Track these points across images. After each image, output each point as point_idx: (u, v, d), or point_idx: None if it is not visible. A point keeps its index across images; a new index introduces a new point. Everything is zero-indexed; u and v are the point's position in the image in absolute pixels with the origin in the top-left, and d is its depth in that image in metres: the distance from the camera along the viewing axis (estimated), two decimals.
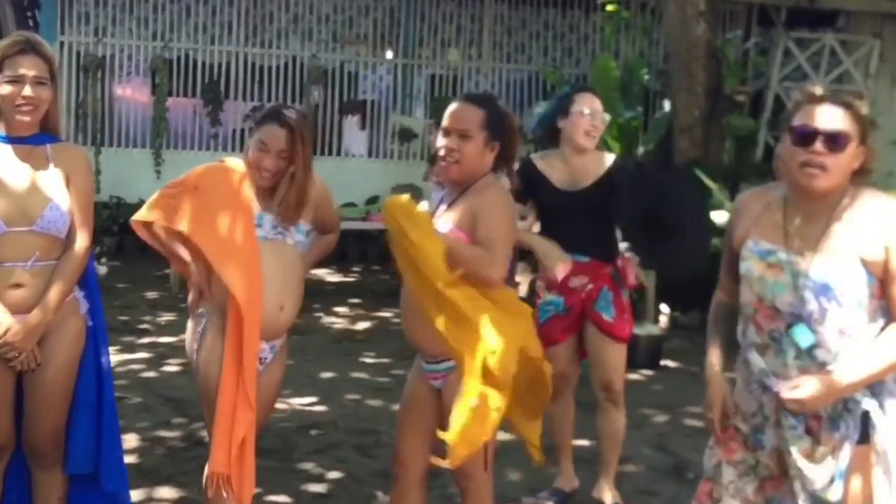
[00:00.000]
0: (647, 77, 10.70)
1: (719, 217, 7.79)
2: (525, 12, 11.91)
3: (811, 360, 2.45)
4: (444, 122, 3.02)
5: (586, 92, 4.02)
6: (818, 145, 2.39)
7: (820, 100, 2.45)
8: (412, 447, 3.10)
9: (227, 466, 2.95)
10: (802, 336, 2.45)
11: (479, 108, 3.01)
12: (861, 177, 2.48)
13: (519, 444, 4.81)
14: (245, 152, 3.09)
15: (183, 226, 2.99)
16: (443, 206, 3.09)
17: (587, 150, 3.95)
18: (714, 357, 2.70)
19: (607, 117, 4.02)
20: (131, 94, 11.89)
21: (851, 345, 2.42)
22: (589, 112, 3.90)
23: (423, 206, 3.17)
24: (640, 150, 9.62)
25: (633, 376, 6.52)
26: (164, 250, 3.18)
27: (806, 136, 2.40)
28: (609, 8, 10.57)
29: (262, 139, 3.02)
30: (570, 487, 4.27)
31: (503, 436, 4.91)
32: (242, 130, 11.19)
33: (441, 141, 3.02)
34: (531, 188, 3.91)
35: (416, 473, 3.16)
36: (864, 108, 2.45)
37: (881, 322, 2.46)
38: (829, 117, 2.41)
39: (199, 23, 11.35)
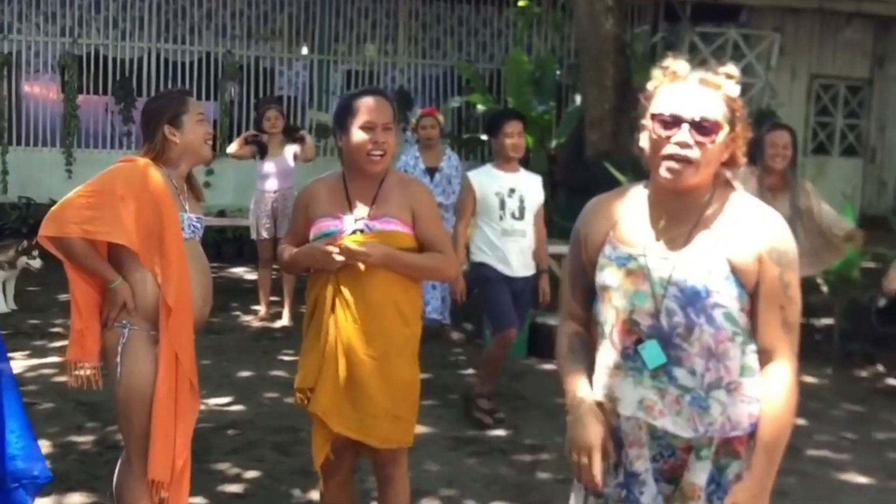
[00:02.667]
0: (558, 72, 10.91)
1: None
2: (439, 8, 12.01)
3: (670, 382, 2.10)
4: (367, 116, 3.04)
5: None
6: (683, 133, 2.03)
7: (684, 79, 2.07)
8: (341, 443, 3.13)
9: (168, 474, 2.99)
10: (652, 354, 2.11)
11: (388, 100, 3.14)
12: (730, 168, 2.14)
13: (434, 436, 4.94)
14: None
15: (122, 238, 2.97)
16: (360, 202, 3.10)
17: None
18: (576, 386, 2.20)
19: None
20: (40, 91, 11.61)
21: (719, 369, 2.08)
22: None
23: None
24: (553, 143, 9.80)
25: (547, 366, 6.68)
26: (82, 265, 3.09)
27: (669, 124, 2.04)
28: (521, 4, 10.73)
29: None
30: None
31: (419, 428, 5.03)
32: None
33: (366, 136, 3.04)
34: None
35: (346, 469, 3.23)
36: (734, 89, 2.07)
37: (753, 347, 2.11)
38: (696, 101, 2.04)
39: (110, 18, 11.15)
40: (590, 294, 2.26)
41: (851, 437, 5.28)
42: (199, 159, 3.18)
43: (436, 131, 7.28)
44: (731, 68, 2.11)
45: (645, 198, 2.19)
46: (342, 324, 3.00)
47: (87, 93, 11.27)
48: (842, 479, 4.65)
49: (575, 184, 9.00)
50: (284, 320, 7.53)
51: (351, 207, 3.09)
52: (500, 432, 5.17)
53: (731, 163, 2.13)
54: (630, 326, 2.14)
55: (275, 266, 7.74)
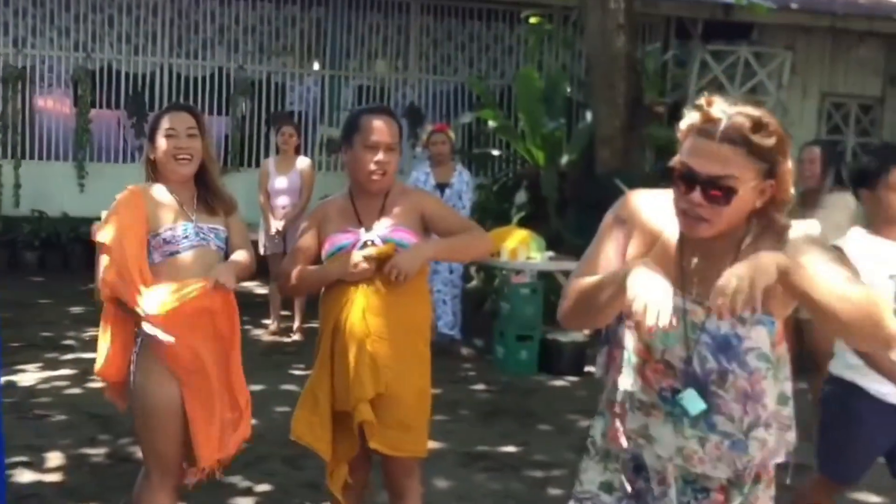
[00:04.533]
0: (569, 89, 10.93)
1: None
2: (451, 24, 12.06)
3: (710, 429, 2.04)
4: (372, 136, 3.11)
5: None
6: (696, 194, 1.92)
7: (713, 124, 1.92)
8: (355, 460, 3.16)
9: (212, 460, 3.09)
10: (693, 403, 2.03)
11: (395, 120, 3.20)
12: (774, 208, 1.99)
13: (445, 451, 4.93)
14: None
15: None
16: (369, 216, 3.16)
17: None
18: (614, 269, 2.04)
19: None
20: (53, 105, 11.68)
21: (757, 409, 2.02)
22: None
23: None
24: (564, 159, 9.81)
25: (558, 382, 6.68)
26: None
27: (684, 178, 1.94)
28: (532, 21, 10.78)
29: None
30: None
31: (430, 443, 5.02)
32: None
33: (368, 156, 3.10)
34: None
35: (358, 484, 3.24)
36: (769, 138, 1.92)
37: (786, 372, 2.08)
38: (713, 157, 1.90)
39: (123, 33, 11.22)
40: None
41: None
42: (172, 175, 3.13)
43: (446, 147, 7.31)
44: (764, 114, 1.95)
45: (676, 229, 2.06)
46: (359, 336, 3.02)
47: (100, 107, 11.33)
48: (854, 499, 4.62)
49: (585, 201, 9.00)
50: (295, 335, 7.54)
51: (360, 222, 3.15)
52: (510, 448, 5.16)
53: (773, 205, 1.98)
54: (665, 368, 2.06)
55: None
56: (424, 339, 3.19)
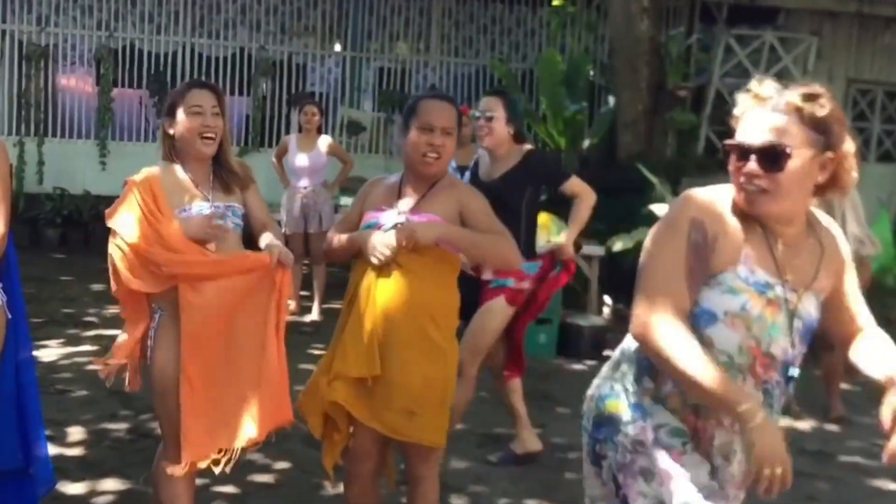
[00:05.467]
0: (592, 72, 10.86)
1: (661, 210, 7.97)
2: (473, 7, 12.00)
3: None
4: (427, 118, 3.09)
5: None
6: (751, 164, 1.96)
7: (762, 102, 1.99)
8: (368, 443, 3.14)
9: (204, 455, 3.02)
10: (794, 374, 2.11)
11: (454, 106, 3.20)
12: (835, 191, 2.03)
13: (463, 433, 4.94)
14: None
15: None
16: (408, 198, 3.13)
17: None
18: (739, 392, 1.98)
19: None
20: (75, 84, 11.74)
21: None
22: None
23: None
24: (586, 143, 9.77)
25: (577, 366, 6.67)
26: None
27: (740, 154, 1.98)
28: (555, 3, 10.71)
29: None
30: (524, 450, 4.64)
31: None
32: None
33: (423, 137, 3.08)
34: None
35: (371, 469, 3.22)
36: (820, 108, 1.95)
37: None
38: (766, 127, 1.96)
39: (145, 12, 11.24)
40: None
41: (883, 443, 5.22)
42: (194, 154, 3.09)
43: (468, 130, 7.26)
44: (816, 88, 2.00)
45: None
46: (371, 315, 3.00)
47: (122, 86, 11.38)
48: (874, 486, 4.60)
49: (606, 186, 8.94)
50: (314, 315, 7.56)
51: (400, 204, 3.13)
52: None
53: (832, 185, 2.01)
54: (770, 360, 2.06)
55: (304, 261, 7.78)
56: (440, 327, 3.06)
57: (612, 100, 10.09)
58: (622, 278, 8.30)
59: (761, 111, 1.97)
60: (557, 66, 9.86)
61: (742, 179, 1.97)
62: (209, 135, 3.07)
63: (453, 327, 3.16)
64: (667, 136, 9.88)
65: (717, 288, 2.02)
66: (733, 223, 2.04)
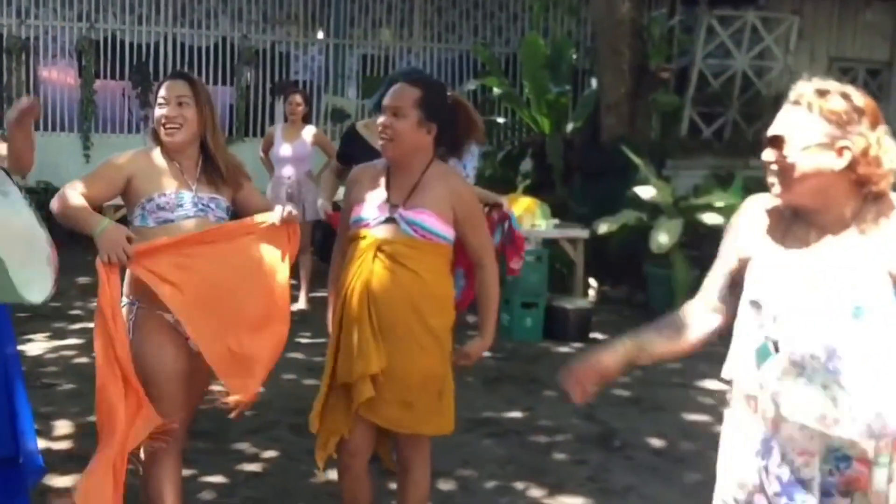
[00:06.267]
0: (574, 55, 10.87)
1: (645, 192, 8.01)
2: None
3: (839, 387, 2.08)
4: (384, 100, 3.07)
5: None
6: (767, 153, 2.12)
7: (791, 102, 2.12)
8: (363, 437, 3.13)
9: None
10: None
11: (416, 87, 3.04)
12: (868, 185, 2.09)
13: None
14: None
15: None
16: (397, 189, 3.06)
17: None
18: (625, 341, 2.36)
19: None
20: (57, 76, 11.68)
21: (877, 370, 2.07)
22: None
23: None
24: (569, 127, 9.79)
25: (563, 349, 6.71)
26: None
27: (764, 145, 2.15)
28: None
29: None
30: None
31: None
32: None
33: (379, 118, 3.08)
34: (351, 154, 4.30)
35: (365, 462, 3.20)
36: (834, 102, 2.06)
37: None
38: (781, 120, 2.12)
39: (126, 3, 11.19)
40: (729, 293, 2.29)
41: None
42: (166, 144, 3.11)
43: None
44: (837, 85, 2.10)
45: (791, 213, 2.19)
46: (364, 310, 2.99)
47: (105, 78, 11.34)
48: None
49: (591, 168, 9.00)
50: (301, 303, 7.57)
51: (389, 195, 3.05)
52: (515, 414, 5.20)
53: (863, 181, 2.08)
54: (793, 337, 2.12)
55: None
56: (438, 317, 3.06)
57: (594, 82, 10.10)
58: (607, 261, 8.36)
59: (786, 107, 2.12)
60: (540, 50, 9.87)
61: (765, 169, 2.12)
62: (170, 125, 3.07)
63: (449, 317, 3.12)
64: (650, 117, 9.90)
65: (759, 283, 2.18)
66: (768, 220, 2.20)
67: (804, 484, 2.11)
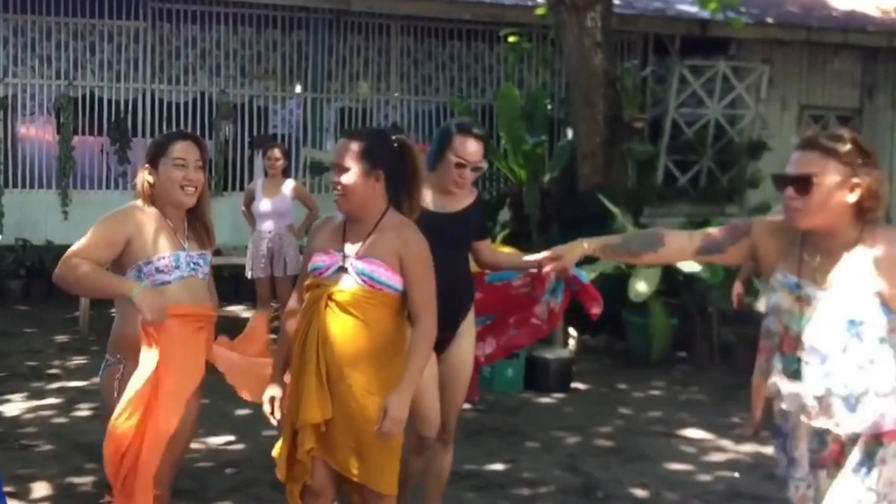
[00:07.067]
0: (549, 106, 11.01)
1: None
2: (431, 45, 12.13)
3: (826, 391, 2.56)
4: (330, 157, 3.20)
5: (469, 138, 3.73)
6: (789, 190, 2.57)
7: (797, 146, 2.63)
8: (326, 477, 3.16)
9: None
10: (792, 366, 2.63)
11: (356, 140, 3.17)
12: (869, 210, 2.55)
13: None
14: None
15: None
16: (352, 241, 3.15)
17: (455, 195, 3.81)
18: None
19: (484, 165, 3.80)
20: (35, 133, 11.69)
21: (870, 380, 2.51)
22: (464, 162, 3.70)
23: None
24: (546, 176, 9.88)
25: (544, 399, 6.71)
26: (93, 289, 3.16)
27: (780, 182, 2.61)
28: (511, 40, 10.85)
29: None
30: None
31: None
32: None
33: (330, 177, 3.20)
34: None
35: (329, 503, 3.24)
36: (843, 145, 2.54)
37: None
38: (796, 162, 2.59)
39: (105, 60, 11.24)
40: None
41: None
42: (174, 203, 3.17)
43: None
44: (844, 131, 2.62)
45: (800, 236, 2.65)
46: (315, 358, 3.04)
47: (83, 134, 11.34)
48: None
49: (568, 217, 9.06)
50: None
51: (343, 246, 3.14)
52: (497, 466, 5.18)
53: (868, 207, 2.55)
54: (796, 342, 2.61)
55: (273, 304, 7.78)
56: (387, 367, 3.08)
57: (570, 132, 10.22)
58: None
59: (796, 152, 2.61)
60: (516, 101, 9.99)
61: (785, 201, 2.59)
62: (190, 188, 3.16)
63: (399, 368, 3.09)
64: (626, 166, 10.01)
65: (770, 288, 2.70)
66: (780, 241, 2.69)
67: (796, 461, 2.70)
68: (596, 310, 3.99)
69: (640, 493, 4.84)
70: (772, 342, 2.70)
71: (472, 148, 3.71)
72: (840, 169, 2.53)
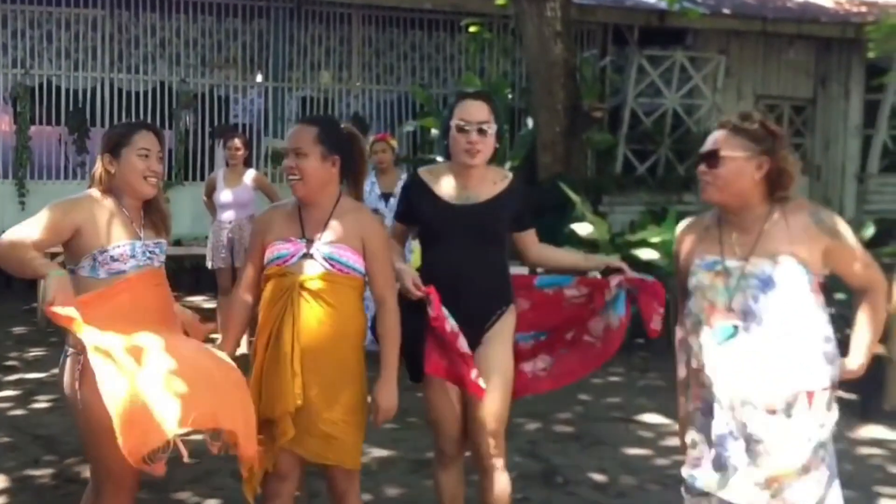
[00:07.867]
0: (510, 95, 11.06)
1: (582, 229, 8.16)
2: (392, 34, 12.14)
3: (754, 353, 2.72)
4: (287, 143, 3.20)
5: (467, 99, 3.40)
6: (702, 165, 2.80)
7: (717, 126, 2.83)
8: (290, 462, 3.18)
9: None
10: (726, 332, 2.76)
11: (312, 125, 3.19)
12: (780, 186, 2.73)
13: (395, 459, 4.99)
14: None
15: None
16: (312, 226, 3.16)
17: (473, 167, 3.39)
18: None
19: (493, 126, 3.34)
20: None
21: (793, 341, 2.68)
22: (465, 124, 3.33)
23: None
24: (507, 165, 9.93)
25: None
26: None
27: (698, 161, 2.82)
28: (472, 29, 10.89)
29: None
30: None
31: (380, 451, 5.07)
32: None
33: (285, 162, 3.20)
34: (419, 209, 3.47)
35: (293, 489, 3.25)
36: (751, 124, 2.72)
37: (820, 314, 2.73)
38: (710, 140, 2.80)
39: (62, 48, 11.11)
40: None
41: None
42: (135, 194, 3.15)
43: (387, 155, 7.40)
44: (756, 113, 2.80)
45: (716, 220, 2.87)
46: (291, 348, 3.06)
47: (40, 123, 11.21)
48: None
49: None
50: (242, 348, 7.53)
51: (304, 232, 3.16)
52: None
53: (778, 184, 2.73)
54: (727, 312, 2.75)
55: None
56: (356, 350, 3.16)
57: (530, 122, 10.29)
58: None
59: (714, 131, 2.79)
60: None
61: (699, 176, 2.78)
62: (153, 178, 3.15)
63: (362, 350, 3.18)
64: (586, 155, 10.12)
65: (689, 276, 2.86)
66: (693, 235, 2.91)
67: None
68: (656, 324, 3.37)
69: (599, 477, 4.92)
70: (692, 321, 2.84)
71: (471, 108, 3.34)
72: (747, 145, 2.71)
